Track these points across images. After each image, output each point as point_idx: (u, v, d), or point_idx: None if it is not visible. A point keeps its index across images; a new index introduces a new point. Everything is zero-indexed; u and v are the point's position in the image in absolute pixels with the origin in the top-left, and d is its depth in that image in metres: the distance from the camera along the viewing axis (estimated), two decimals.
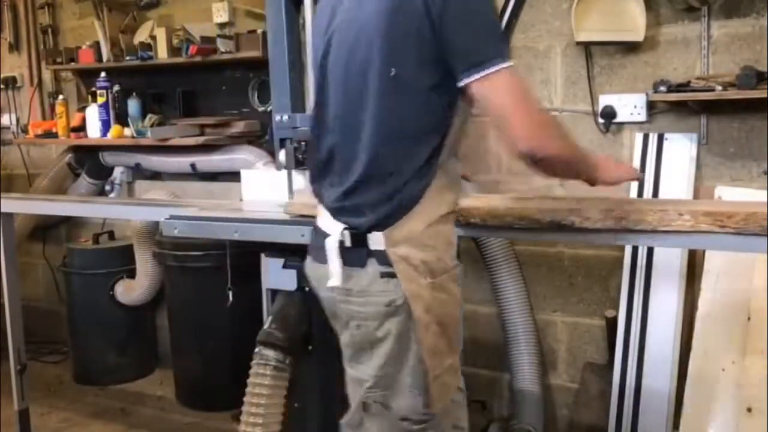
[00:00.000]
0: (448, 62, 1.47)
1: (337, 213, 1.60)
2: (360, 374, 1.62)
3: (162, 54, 3.73)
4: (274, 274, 2.16)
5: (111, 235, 4.19)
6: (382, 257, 1.53)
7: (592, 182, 1.71)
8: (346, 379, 1.69)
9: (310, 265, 1.73)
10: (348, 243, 1.56)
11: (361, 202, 1.55)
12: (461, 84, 1.46)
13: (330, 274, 1.58)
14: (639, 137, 2.84)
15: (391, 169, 1.52)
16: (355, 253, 1.55)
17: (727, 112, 2.67)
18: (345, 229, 1.56)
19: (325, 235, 1.61)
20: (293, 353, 2.06)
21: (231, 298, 2.42)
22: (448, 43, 1.45)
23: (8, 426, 3.22)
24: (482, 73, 1.43)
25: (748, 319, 2.56)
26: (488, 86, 1.44)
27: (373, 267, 1.54)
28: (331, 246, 1.57)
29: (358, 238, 1.55)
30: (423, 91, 1.50)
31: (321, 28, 1.67)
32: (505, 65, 1.43)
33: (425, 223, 1.55)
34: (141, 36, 3.91)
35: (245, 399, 2.03)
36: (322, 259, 1.62)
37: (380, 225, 1.53)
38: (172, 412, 3.66)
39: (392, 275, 1.52)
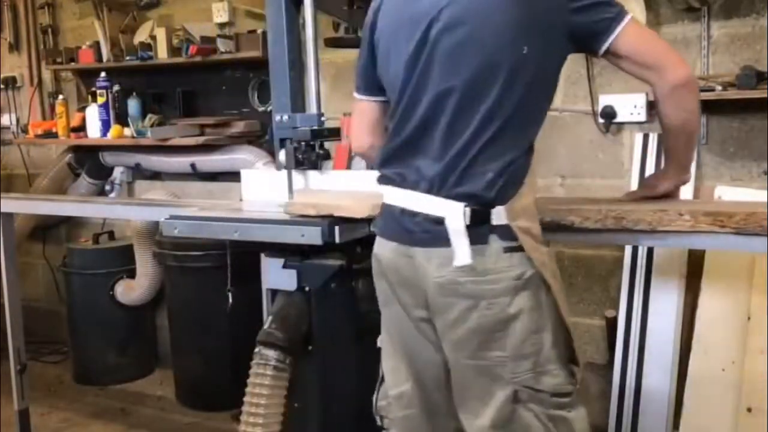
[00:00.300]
0: (579, 36, 1.56)
1: (443, 190, 1.55)
2: (494, 361, 1.56)
3: (162, 54, 3.73)
4: (274, 274, 2.16)
5: (111, 235, 4.19)
6: (503, 232, 1.52)
7: (688, 163, 1.81)
8: (462, 380, 1.62)
9: (395, 250, 1.64)
10: (467, 221, 1.52)
11: (479, 177, 1.53)
12: (606, 46, 1.56)
13: (455, 256, 1.52)
14: (639, 137, 2.84)
15: (510, 144, 1.54)
16: (476, 231, 1.52)
17: (727, 112, 2.67)
18: (466, 206, 1.52)
19: (420, 216, 1.57)
20: (293, 353, 2.05)
21: (231, 300, 2.42)
22: (580, 15, 1.54)
23: (8, 426, 3.22)
24: (621, 27, 1.54)
25: (748, 319, 2.56)
26: (630, 36, 1.56)
27: (495, 243, 1.52)
28: (457, 225, 1.52)
29: (480, 214, 1.52)
30: (547, 70, 1.58)
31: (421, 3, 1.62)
32: (629, 14, 1.57)
33: (532, 197, 1.58)
34: (141, 36, 3.91)
35: (245, 399, 2.03)
36: (425, 242, 1.57)
37: (502, 199, 1.53)
38: (172, 412, 3.66)
39: (515, 249, 1.53)
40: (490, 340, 1.55)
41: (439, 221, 1.54)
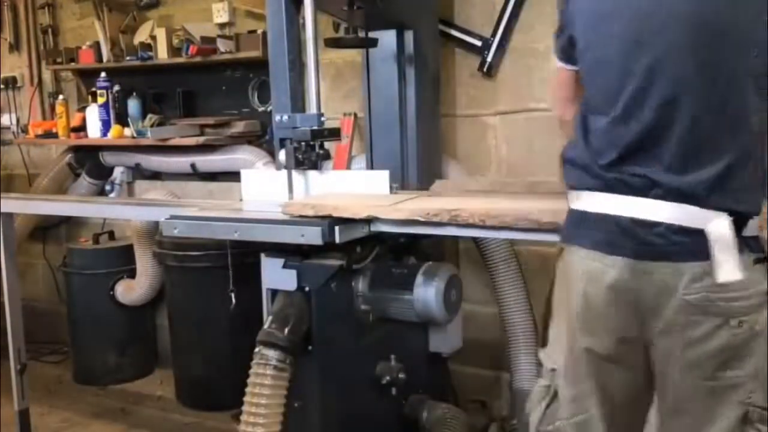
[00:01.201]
0: None
1: (695, 199, 1.43)
2: (732, 381, 1.48)
3: (162, 54, 3.73)
4: (274, 274, 2.16)
5: (111, 235, 4.19)
6: (753, 243, 1.46)
7: None
8: (685, 399, 1.53)
9: (626, 267, 1.50)
10: (728, 231, 1.42)
11: (734, 188, 1.44)
12: None
13: (717, 270, 1.42)
14: None
15: (761, 150, 1.45)
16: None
17: None
18: (729, 216, 1.43)
19: (663, 227, 1.45)
20: (293, 353, 2.05)
21: (234, 300, 2.42)
22: None
23: (8, 426, 3.22)
24: None
25: None
26: None
27: (747, 255, 1.44)
28: (725, 238, 1.42)
29: (738, 225, 1.43)
30: None
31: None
32: None
33: None
34: (141, 36, 3.91)
35: (245, 399, 2.03)
36: (673, 255, 1.45)
37: (756, 210, 1.46)
38: (172, 412, 3.66)
39: (762, 260, 1.46)
40: (732, 359, 1.47)
41: (691, 232, 1.43)
